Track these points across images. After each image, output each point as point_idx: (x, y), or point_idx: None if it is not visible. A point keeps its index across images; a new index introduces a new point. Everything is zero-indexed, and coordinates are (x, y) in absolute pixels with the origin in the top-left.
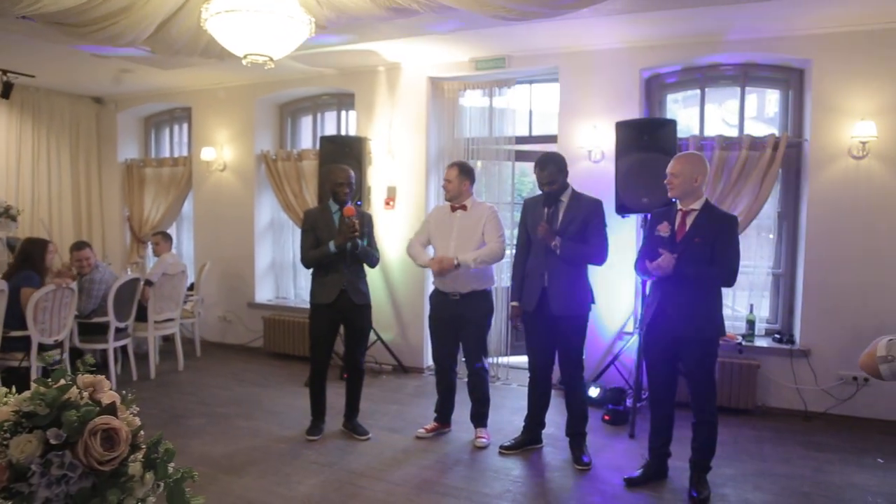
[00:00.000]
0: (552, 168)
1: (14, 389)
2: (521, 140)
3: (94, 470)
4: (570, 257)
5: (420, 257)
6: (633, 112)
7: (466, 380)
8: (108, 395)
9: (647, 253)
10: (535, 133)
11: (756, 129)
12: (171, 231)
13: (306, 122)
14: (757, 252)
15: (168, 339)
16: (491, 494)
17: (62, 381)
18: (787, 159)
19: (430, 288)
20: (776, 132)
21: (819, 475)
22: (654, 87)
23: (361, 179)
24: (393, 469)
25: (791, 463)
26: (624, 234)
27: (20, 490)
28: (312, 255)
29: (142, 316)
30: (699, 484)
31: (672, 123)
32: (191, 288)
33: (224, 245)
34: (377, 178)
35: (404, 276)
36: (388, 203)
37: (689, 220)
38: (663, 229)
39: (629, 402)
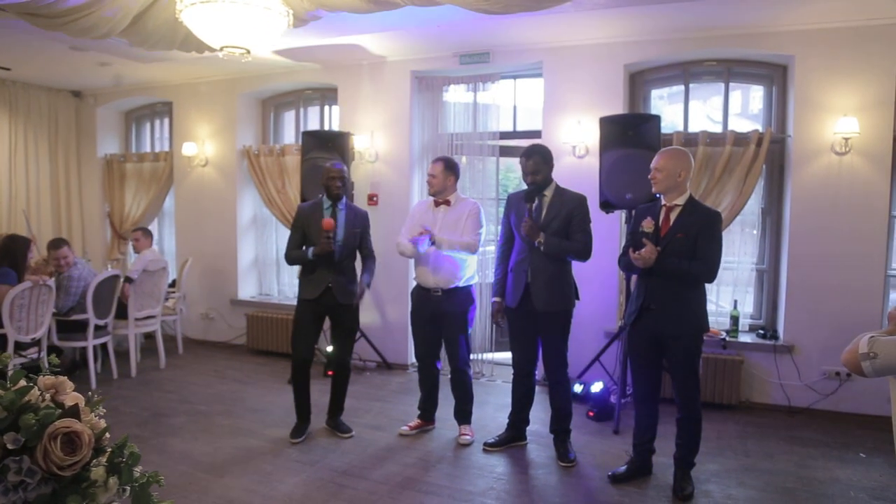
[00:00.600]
0: (537, 158)
1: None
2: (505, 135)
3: (54, 475)
4: (555, 254)
5: (409, 248)
6: (618, 107)
7: (450, 377)
8: (72, 397)
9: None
10: (519, 128)
11: (740, 124)
12: (153, 227)
13: (289, 117)
14: (741, 248)
15: (149, 337)
16: (475, 492)
17: (21, 383)
18: (771, 155)
19: (413, 284)
20: (760, 128)
21: (802, 470)
22: (639, 83)
23: None
24: (376, 467)
25: (775, 458)
26: (608, 230)
27: None
28: (294, 256)
29: (122, 313)
30: (683, 480)
31: (656, 119)
32: (172, 284)
33: (206, 241)
34: (360, 173)
35: (388, 271)
36: (371, 199)
37: (673, 216)
38: (647, 225)
39: (613, 399)
